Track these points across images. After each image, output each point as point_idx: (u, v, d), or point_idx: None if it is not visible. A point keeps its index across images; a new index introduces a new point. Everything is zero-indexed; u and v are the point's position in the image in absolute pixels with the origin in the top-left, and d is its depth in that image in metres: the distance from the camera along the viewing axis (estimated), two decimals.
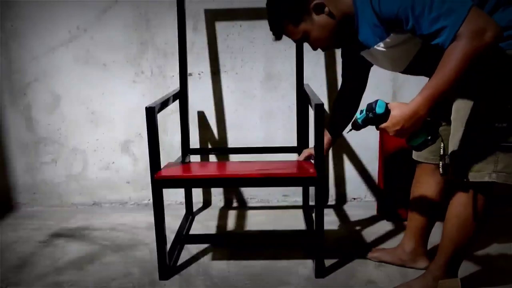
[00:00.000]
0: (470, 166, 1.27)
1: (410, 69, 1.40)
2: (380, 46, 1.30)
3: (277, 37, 1.38)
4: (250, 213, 2.27)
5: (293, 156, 2.05)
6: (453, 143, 1.31)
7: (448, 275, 1.42)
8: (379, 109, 1.25)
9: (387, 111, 1.25)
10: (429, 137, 1.26)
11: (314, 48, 1.38)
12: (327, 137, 1.68)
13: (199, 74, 2.24)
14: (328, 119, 1.72)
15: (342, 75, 1.66)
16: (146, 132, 1.55)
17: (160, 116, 1.64)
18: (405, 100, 1.78)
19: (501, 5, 1.20)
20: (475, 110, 1.26)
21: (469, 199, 1.31)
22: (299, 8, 1.29)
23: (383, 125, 1.25)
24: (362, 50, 1.39)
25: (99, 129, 2.32)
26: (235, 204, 2.40)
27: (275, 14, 1.33)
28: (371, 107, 1.26)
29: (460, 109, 1.29)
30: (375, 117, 1.26)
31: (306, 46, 2.04)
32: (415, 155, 1.59)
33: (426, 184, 1.58)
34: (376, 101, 1.27)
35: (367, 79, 1.63)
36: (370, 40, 1.30)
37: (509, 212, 2.16)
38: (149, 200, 2.37)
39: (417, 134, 1.27)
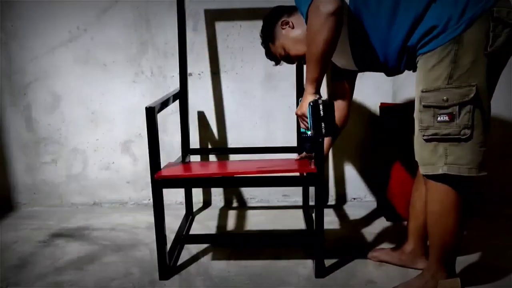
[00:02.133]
0: (427, 160, 1.33)
1: (362, 66, 1.49)
2: None
3: (276, 61, 1.63)
4: (250, 213, 2.27)
5: (293, 157, 2.05)
6: (415, 140, 1.37)
7: (445, 271, 1.42)
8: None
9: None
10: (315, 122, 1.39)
11: (294, 61, 1.59)
12: (327, 138, 1.68)
13: (199, 74, 2.24)
14: None
15: (332, 79, 1.72)
16: (146, 132, 1.55)
17: (160, 116, 1.64)
18: (405, 100, 1.78)
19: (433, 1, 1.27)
20: (420, 106, 1.31)
21: (439, 195, 1.35)
22: (272, 27, 1.55)
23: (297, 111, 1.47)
24: None
25: (99, 129, 2.32)
26: (235, 204, 2.40)
27: (262, 39, 1.60)
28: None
29: (415, 108, 1.36)
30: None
31: None
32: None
33: (423, 184, 1.57)
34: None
35: (355, 82, 1.70)
36: None
37: (508, 212, 2.16)
38: (149, 200, 2.38)
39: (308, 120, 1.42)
